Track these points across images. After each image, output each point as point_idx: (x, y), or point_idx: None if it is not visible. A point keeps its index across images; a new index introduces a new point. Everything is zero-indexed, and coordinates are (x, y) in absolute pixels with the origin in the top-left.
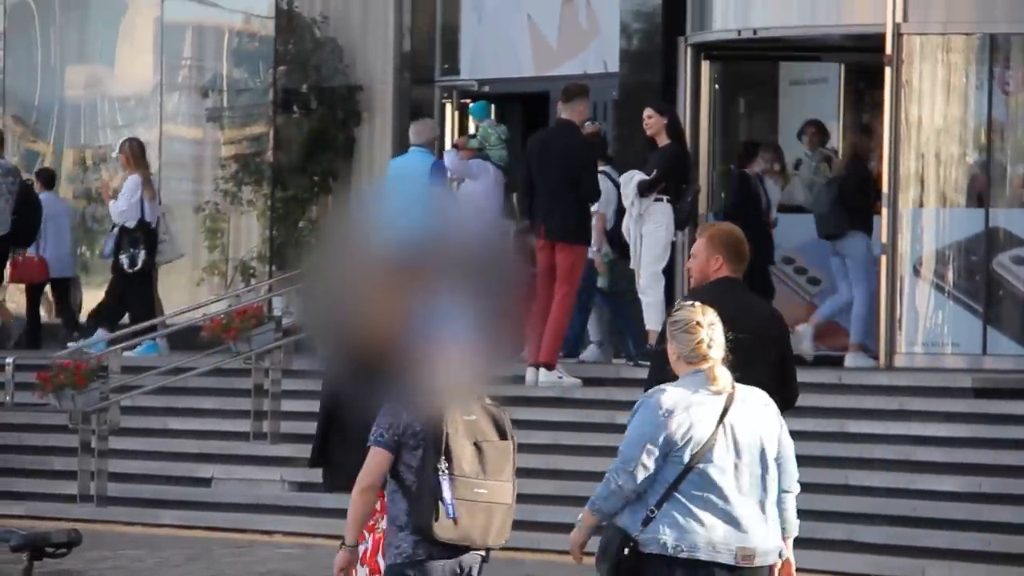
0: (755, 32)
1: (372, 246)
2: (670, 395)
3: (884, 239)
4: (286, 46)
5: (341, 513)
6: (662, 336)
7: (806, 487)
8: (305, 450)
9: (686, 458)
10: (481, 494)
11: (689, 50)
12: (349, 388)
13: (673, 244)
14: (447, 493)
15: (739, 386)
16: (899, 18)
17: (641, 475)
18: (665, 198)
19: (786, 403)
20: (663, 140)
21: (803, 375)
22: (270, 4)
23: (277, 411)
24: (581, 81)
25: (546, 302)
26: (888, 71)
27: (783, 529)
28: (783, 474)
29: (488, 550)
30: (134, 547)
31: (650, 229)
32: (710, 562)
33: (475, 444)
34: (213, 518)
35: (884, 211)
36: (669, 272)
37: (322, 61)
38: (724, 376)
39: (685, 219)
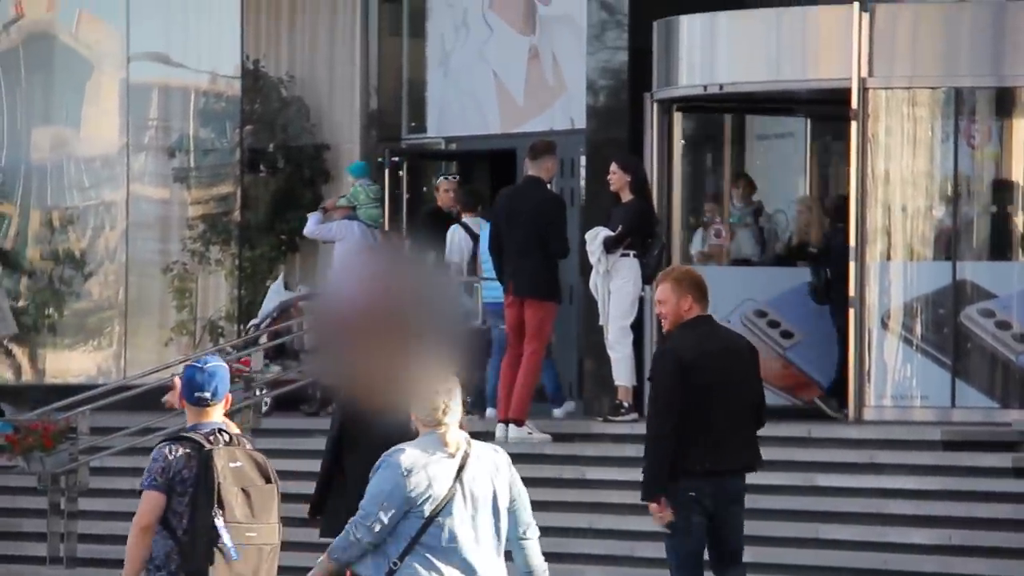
0: (721, 87)
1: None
2: (409, 455)
3: (852, 292)
4: (252, 106)
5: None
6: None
7: (777, 541)
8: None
9: (426, 512)
10: (251, 537)
11: (656, 106)
12: (349, 448)
13: (641, 299)
14: (227, 538)
15: (474, 443)
16: (864, 72)
17: (378, 529)
18: (631, 253)
19: (761, 422)
20: (627, 196)
21: (772, 429)
22: (236, 64)
23: None
24: (548, 138)
25: (514, 359)
26: (854, 125)
27: (532, 572)
28: (518, 522)
29: None
30: None
31: (618, 285)
32: None
33: (243, 490)
34: None
35: (852, 264)
36: (637, 327)
37: (289, 120)
38: (456, 439)
39: (652, 273)
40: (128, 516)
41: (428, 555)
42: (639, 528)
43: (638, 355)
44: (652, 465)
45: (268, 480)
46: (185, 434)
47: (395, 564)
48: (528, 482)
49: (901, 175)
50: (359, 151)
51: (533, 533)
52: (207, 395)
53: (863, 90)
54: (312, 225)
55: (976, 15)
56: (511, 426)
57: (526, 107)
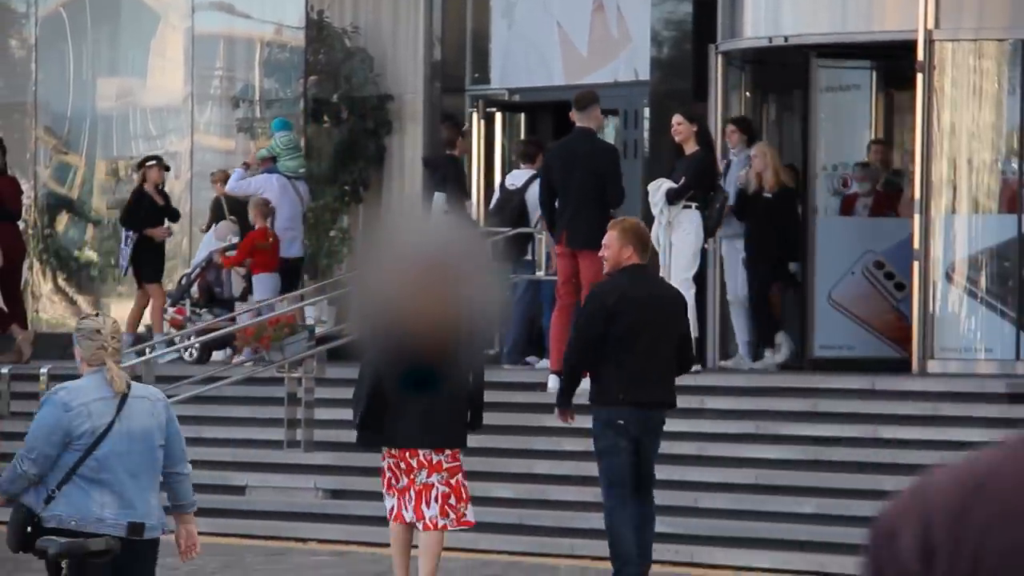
0: (786, 39)
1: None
2: (72, 392)
3: (916, 245)
4: (316, 56)
5: (375, 520)
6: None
7: (840, 492)
8: (339, 458)
9: (86, 445)
10: None
11: (720, 58)
12: (389, 369)
13: (704, 251)
14: None
15: (134, 384)
16: (931, 24)
17: (42, 462)
18: (693, 205)
19: (687, 366)
20: (691, 147)
21: (836, 381)
22: (300, 15)
23: (311, 419)
24: (591, 89)
25: (565, 309)
26: (920, 77)
27: (182, 505)
28: (173, 459)
29: None
30: (168, 555)
31: (679, 237)
32: (101, 535)
33: None
34: (247, 526)
35: (916, 217)
36: (700, 278)
37: (352, 71)
38: (120, 378)
39: (714, 226)
40: (193, 463)
41: (84, 485)
42: (702, 479)
43: (700, 307)
44: (565, 384)
45: None
46: None
47: (53, 493)
48: (586, 432)
49: (967, 128)
50: (422, 102)
51: (187, 470)
52: None
53: (929, 42)
54: (234, 181)
55: None
56: None
57: (590, 58)
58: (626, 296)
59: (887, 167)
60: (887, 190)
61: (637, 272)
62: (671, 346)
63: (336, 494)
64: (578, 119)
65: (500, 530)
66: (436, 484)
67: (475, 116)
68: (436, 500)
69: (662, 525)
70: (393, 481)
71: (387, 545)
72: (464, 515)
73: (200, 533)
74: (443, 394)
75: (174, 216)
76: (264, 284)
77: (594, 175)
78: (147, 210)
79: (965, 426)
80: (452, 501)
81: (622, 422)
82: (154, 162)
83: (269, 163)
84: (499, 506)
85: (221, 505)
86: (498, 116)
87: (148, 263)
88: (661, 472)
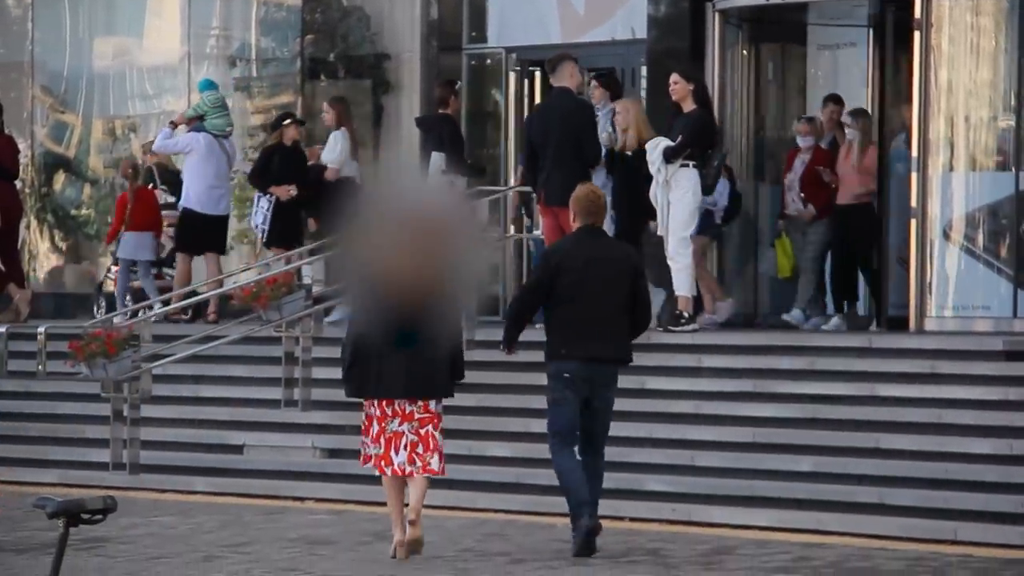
0: None
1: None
2: None
3: (914, 203)
4: (313, 15)
5: (372, 479)
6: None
7: (837, 451)
8: (337, 417)
9: None
10: None
11: (717, 16)
12: (370, 322)
13: (707, 210)
14: None
15: None
16: None
17: None
18: (691, 163)
19: (639, 324)
20: (689, 106)
21: (833, 339)
22: None
23: (308, 378)
24: (568, 51)
25: None
26: (917, 35)
27: None
28: None
29: None
30: (166, 514)
31: (677, 195)
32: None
33: None
34: (245, 485)
35: (914, 175)
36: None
37: (349, 30)
38: None
39: (712, 184)
40: (191, 423)
41: None
42: (699, 437)
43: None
44: (507, 327)
45: None
46: None
47: None
48: None
49: (964, 85)
50: (419, 60)
51: None
52: None
53: None
54: (160, 140)
55: None
56: None
57: (587, 17)
58: (569, 255)
59: (839, 126)
60: (831, 148)
61: (584, 234)
62: (618, 305)
63: (334, 453)
64: (553, 80)
65: (497, 489)
66: (405, 433)
67: (512, 75)
68: (405, 448)
69: (660, 483)
70: (373, 430)
71: (385, 504)
72: (429, 463)
73: (198, 492)
74: (421, 348)
75: (303, 177)
76: (134, 242)
77: (570, 133)
78: (276, 170)
79: (962, 384)
80: (419, 450)
81: (568, 375)
82: (290, 120)
83: (196, 122)
84: (496, 465)
85: (219, 464)
86: (538, 74)
87: (282, 225)
88: (659, 431)
